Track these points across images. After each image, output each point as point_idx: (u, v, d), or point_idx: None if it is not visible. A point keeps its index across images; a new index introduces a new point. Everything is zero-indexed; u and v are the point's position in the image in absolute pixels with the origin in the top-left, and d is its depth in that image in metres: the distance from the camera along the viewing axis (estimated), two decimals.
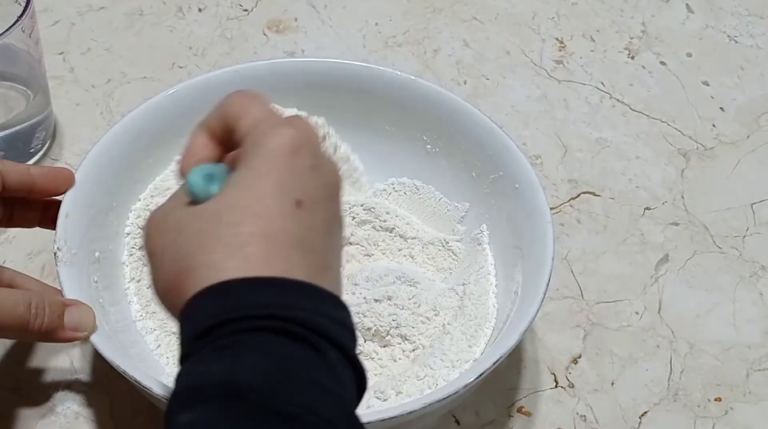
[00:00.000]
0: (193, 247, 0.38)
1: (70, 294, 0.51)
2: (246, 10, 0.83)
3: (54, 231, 0.54)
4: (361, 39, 0.81)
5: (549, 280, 0.53)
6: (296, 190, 0.39)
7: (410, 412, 0.48)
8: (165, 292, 0.39)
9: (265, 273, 0.36)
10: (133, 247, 0.59)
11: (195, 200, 0.40)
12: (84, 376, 0.59)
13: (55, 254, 0.53)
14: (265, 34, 0.81)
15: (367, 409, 0.53)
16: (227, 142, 0.42)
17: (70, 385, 0.59)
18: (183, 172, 0.42)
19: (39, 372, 0.59)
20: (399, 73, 0.64)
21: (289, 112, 0.57)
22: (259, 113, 0.41)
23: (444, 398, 0.48)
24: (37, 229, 0.66)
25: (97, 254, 0.56)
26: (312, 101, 0.64)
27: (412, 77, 0.63)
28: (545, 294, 0.52)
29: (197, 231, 0.38)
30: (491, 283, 0.59)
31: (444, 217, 0.63)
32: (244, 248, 0.37)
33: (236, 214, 0.38)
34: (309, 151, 0.40)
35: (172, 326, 0.56)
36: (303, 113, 0.56)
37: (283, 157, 0.39)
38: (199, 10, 0.83)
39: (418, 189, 0.64)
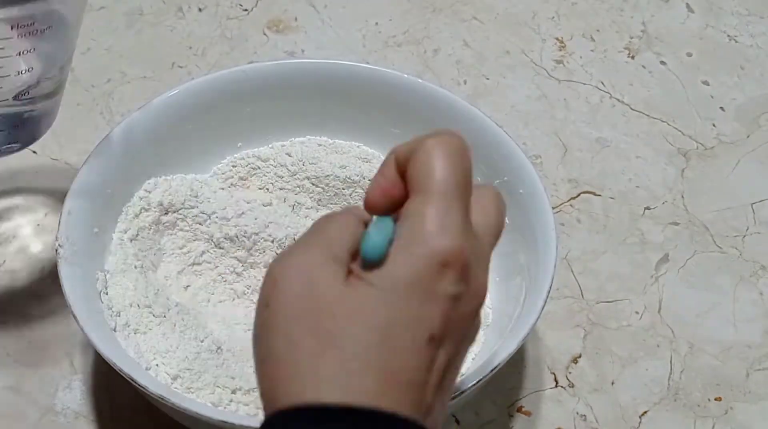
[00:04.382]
0: (313, 347, 0.34)
1: (70, 291, 0.51)
2: (246, 10, 0.83)
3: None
4: (361, 39, 0.81)
5: (549, 290, 0.53)
6: (431, 326, 0.35)
7: None
8: (263, 362, 0.36)
9: (371, 404, 0.34)
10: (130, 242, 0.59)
11: (364, 258, 0.35)
12: (84, 376, 0.59)
13: (56, 251, 0.53)
14: (265, 34, 0.81)
15: None
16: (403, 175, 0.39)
17: (70, 385, 0.59)
18: (372, 207, 0.38)
19: (39, 372, 0.59)
20: (405, 75, 0.63)
21: None
22: (439, 185, 0.36)
23: None
24: (37, 228, 0.66)
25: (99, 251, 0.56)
26: (319, 103, 0.64)
27: (420, 80, 0.63)
28: (545, 304, 0.52)
29: (326, 331, 0.34)
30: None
31: None
32: (354, 377, 0.34)
33: (365, 330, 0.34)
34: (456, 274, 0.35)
35: (165, 328, 0.56)
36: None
37: (425, 276, 0.35)
38: (199, 9, 0.83)
39: None
